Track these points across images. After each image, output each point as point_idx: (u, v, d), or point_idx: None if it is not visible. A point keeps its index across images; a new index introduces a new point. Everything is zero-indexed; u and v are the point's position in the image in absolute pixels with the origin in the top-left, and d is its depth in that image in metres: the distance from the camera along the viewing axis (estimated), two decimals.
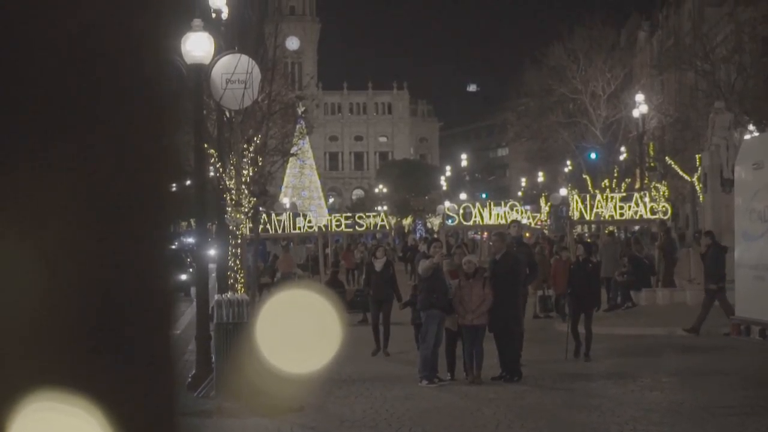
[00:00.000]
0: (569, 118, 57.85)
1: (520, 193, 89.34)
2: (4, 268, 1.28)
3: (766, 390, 14.01)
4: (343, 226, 39.48)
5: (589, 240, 31.79)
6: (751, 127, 35.13)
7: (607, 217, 31.24)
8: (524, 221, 36.08)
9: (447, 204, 61.08)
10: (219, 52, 16.62)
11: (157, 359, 1.41)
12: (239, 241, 20.77)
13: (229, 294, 15.27)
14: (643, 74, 62.93)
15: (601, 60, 56.14)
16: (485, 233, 45.81)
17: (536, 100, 61.65)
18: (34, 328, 1.29)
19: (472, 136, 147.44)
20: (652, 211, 30.80)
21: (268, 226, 32.97)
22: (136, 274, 1.38)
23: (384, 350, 19.22)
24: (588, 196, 34.59)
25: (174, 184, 1.45)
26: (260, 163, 21.56)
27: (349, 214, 45.81)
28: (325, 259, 36.57)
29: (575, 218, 31.81)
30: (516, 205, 39.12)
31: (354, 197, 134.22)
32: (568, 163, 65.41)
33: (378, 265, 19.92)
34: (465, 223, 37.55)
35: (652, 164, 53.48)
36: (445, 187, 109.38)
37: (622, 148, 57.43)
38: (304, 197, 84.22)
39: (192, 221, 28.59)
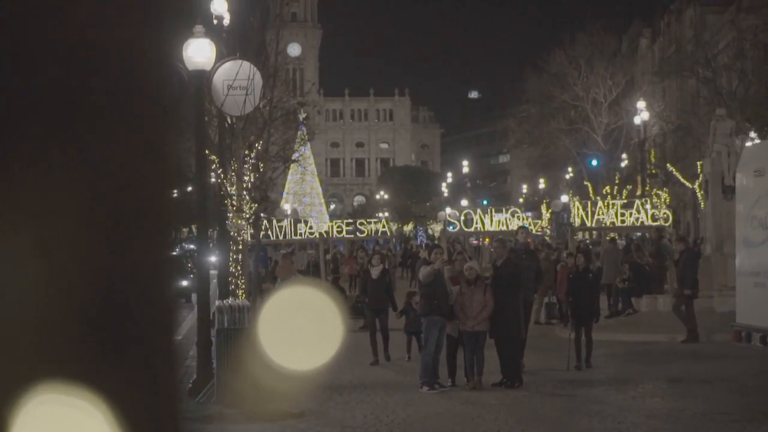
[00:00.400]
0: (571, 125, 57.91)
1: (521, 200, 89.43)
2: (7, 273, 1.29)
3: (767, 397, 14.00)
4: (344, 232, 39.50)
5: (589, 246, 31.79)
6: (752, 134, 35.11)
7: (608, 223, 31.24)
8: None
9: (448, 210, 61.13)
10: (220, 58, 16.64)
11: (159, 365, 1.41)
12: (240, 247, 20.78)
13: (230, 300, 15.27)
14: (645, 81, 62.91)
15: (602, 67, 56.23)
16: (486, 239, 45.83)
17: (537, 107, 61.72)
18: (35, 329, 1.30)
19: (473, 143, 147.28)
20: (654, 218, 30.81)
21: (269, 232, 32.97)
22: (138, 280, 1.39)
23: (385, 352, 19.18)
24: (589, 202, 34.61)
25: (175, 190, 1.46)
26: (261, 170, 21.56)
27: (350, 221, 45.82)
28: (326, 266, 36.56)
29: (576, 225, 31.82)
30: (517, 212, 39.14)
31: (355, 203, 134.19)
32: (570, 169, 65.46)
33: (374, 272, 19.52)
34: (466, 229, 37.57)
35: (653, 171, 53.49)
36: (446, 194, 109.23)
37: (624, 155, 57.52)
38: (306, 203, 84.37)
39: (193, 227, 28.58)
